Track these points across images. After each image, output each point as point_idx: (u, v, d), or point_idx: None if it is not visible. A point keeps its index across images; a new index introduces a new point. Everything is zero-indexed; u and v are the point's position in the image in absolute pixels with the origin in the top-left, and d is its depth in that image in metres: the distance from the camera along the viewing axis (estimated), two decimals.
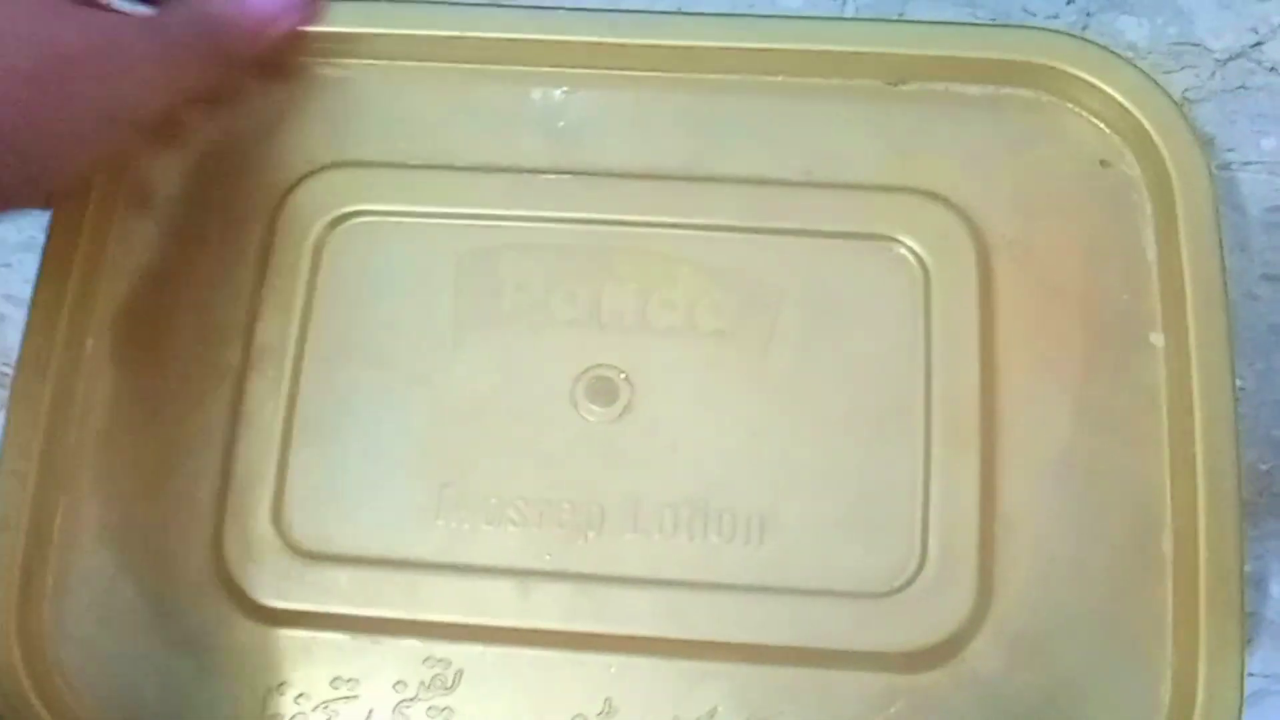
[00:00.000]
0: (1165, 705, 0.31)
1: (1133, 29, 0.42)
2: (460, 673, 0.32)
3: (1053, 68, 0.35)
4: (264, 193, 0.36)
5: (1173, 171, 0.34)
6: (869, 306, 0.34)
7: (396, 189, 0.35)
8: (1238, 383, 0.33)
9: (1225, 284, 0.33)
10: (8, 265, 0.42)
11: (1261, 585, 0.37)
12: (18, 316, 0.39)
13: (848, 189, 0.35)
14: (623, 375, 0.34)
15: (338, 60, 0.37)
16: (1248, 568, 0.34)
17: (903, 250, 0.34)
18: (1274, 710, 0.36)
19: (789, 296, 0.34)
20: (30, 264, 0.39)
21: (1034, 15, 0.42)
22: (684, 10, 0.41)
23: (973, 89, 0.36)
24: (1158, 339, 0.33)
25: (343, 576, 0.32)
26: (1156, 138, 0.34)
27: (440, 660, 0.32)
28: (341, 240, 0.35)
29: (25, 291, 0.38)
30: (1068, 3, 0.43)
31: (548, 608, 0.32)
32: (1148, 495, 0.32)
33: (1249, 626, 0.34)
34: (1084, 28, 0.42)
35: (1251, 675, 0.36)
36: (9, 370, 0.38)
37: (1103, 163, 0.35)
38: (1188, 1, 0.42)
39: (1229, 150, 0.40)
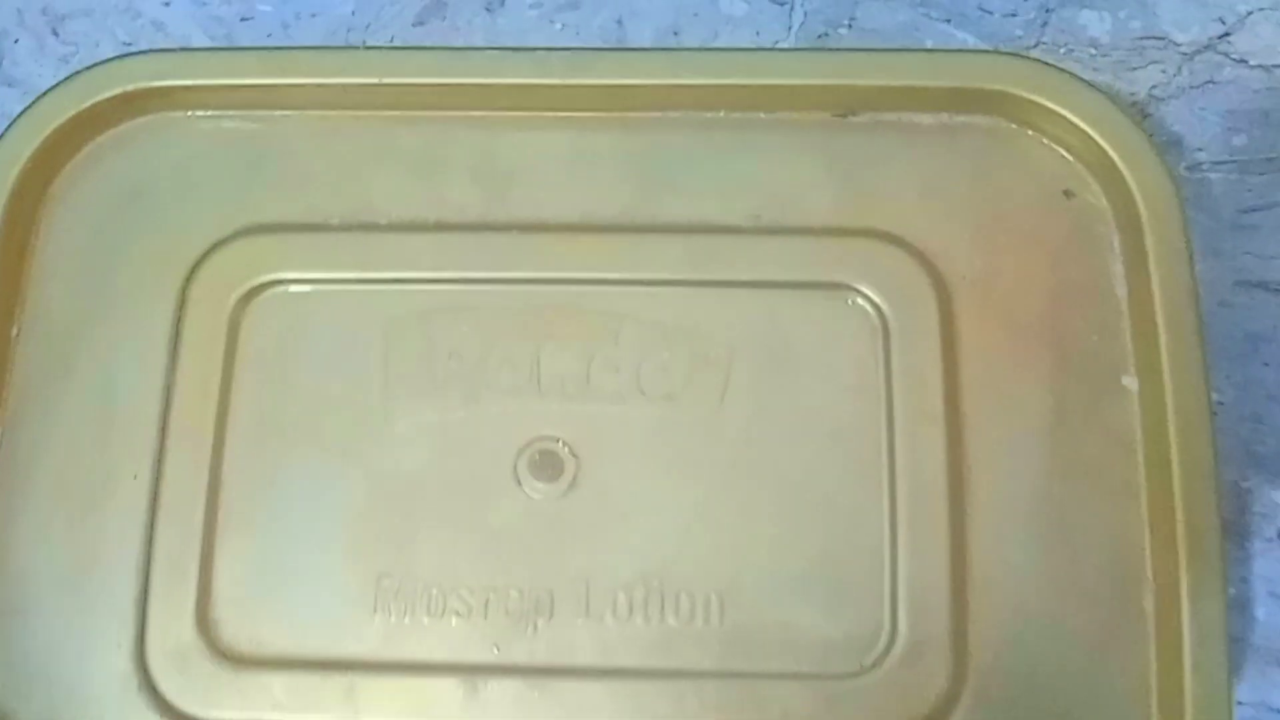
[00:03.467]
0: None
1: (1094, 23, 0.40)
2: None
3: (1010, 93, 0.33)
4: (171, 263, 0.33)
5: (1140, 201, 0.32)
6: (826, 360, 0.32)
7: (316, 254, 0.33)
8: (1215, 396, 0.31)
9: (1200, 321, 0.31)
10: None
11: (1246, 609, 0.35)
12: None
13: (799, 234, 0.33)
14: (567, 447, 0.32)
15: (246, 112, 0.35)
16: (1231, 591, 0.33)
17: (859, 299, 0.32)
18: None
19: (740, 353, 0.32)
20: None
21: (991, 14, 0.41)
22: (616, 46, 0.38)
23: (926, 118, 0.34)
24: (1131, 382, 0.32)
25: (276, 682, 0.30)
26: (1122, 165, 0.32)
27: None
28: (259, 313, 0.33)
29: None
30: None
31: (497, 705, 0.30)
32: (1126, 549, 0.31)
33: (1236, 653, 0.33)
34: (1043, 24, 0.40)
35: (1240, 704, 0.35)
36: None
37: (1066, 193, 0.33)
38: None
39: (1198, 150, 0.38)
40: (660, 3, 0.41)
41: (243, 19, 0.42)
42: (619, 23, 0.41)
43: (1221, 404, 0.36)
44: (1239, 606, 0.36)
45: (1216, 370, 0.34)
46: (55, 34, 0.42)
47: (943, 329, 0.32)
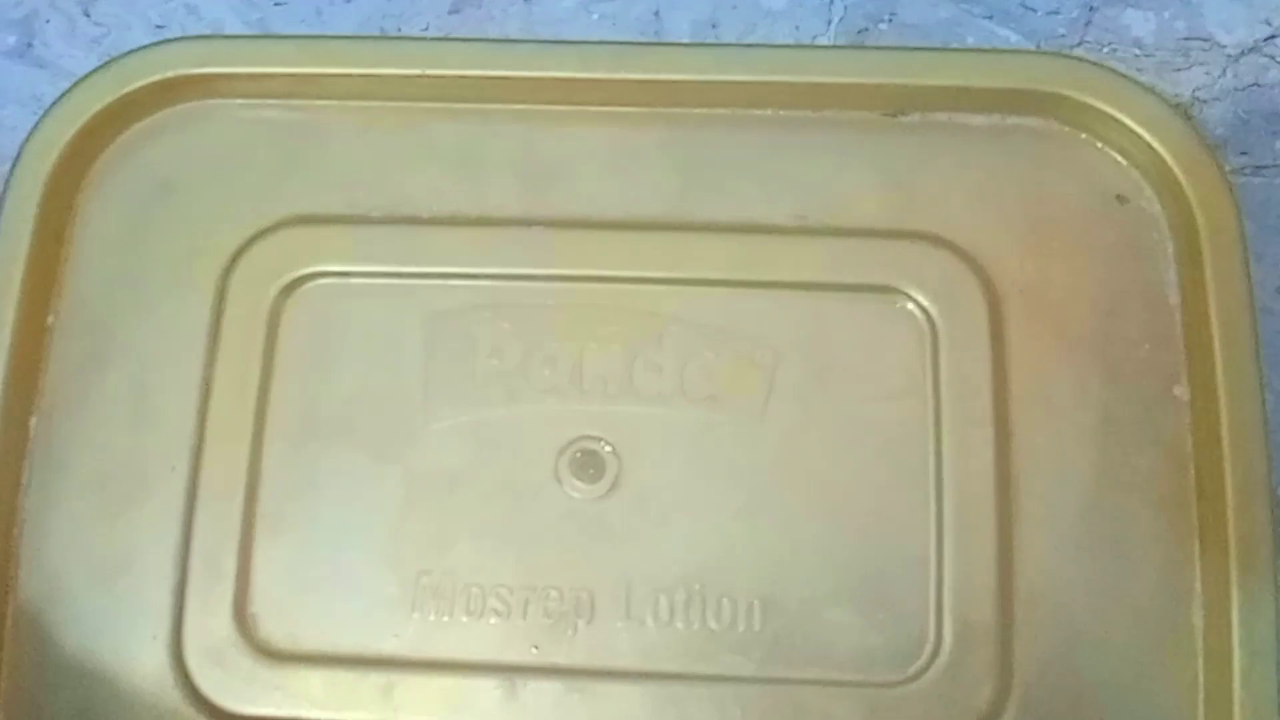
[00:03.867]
0: None
1: (1139, 24, 0.40)
2: None
3: (1064, 95, 0.33)
4: (209, 254, 0.33)
5: (1197, 208, 0.32)
6: (872, 364, 0.32)
7: (356, 246, 0.33)
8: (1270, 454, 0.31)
9: (1256, 331, 0.31)
10: None
11: None
12: None
13: (846, 235, 0.32)
14: (609, 448, 0.31)
15: (285, 101, 0.34)
16: None
17: (908, 303, 0.32)
18: None
19: (785, 355, 0.32)
20: None
21: (1034, 10, 0.40)
22: (654, 39, 0.38)
23: (978, 119, 0.34)
24: (1182, 392, 0.31)
25: (313, 678, 0.30)
26: (1178, 171, 0.32)
27: None
28: (299, 306, 0.33)
29: None
30: None
31: (536, 706, 0.30)
32: (1175, 562, 0.30)
33: None
34: (1087, 23, 0.40)
35: None
36: None
37: (1119, 198, 0.33)
38: None
39: (1242, 153, 0.38)
40: (699, 1, 0.41)
41: (276, 3, 0.41)
42: (656, 14, 0.41)
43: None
44: None
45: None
46: (87, 15, 0.41)
47: (992, 335, 0.31)
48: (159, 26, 0.41)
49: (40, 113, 0.37)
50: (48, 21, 0.41)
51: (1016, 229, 0.32)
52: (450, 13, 0.40)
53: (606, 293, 0.32)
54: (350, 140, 0.34)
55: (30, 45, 0.41)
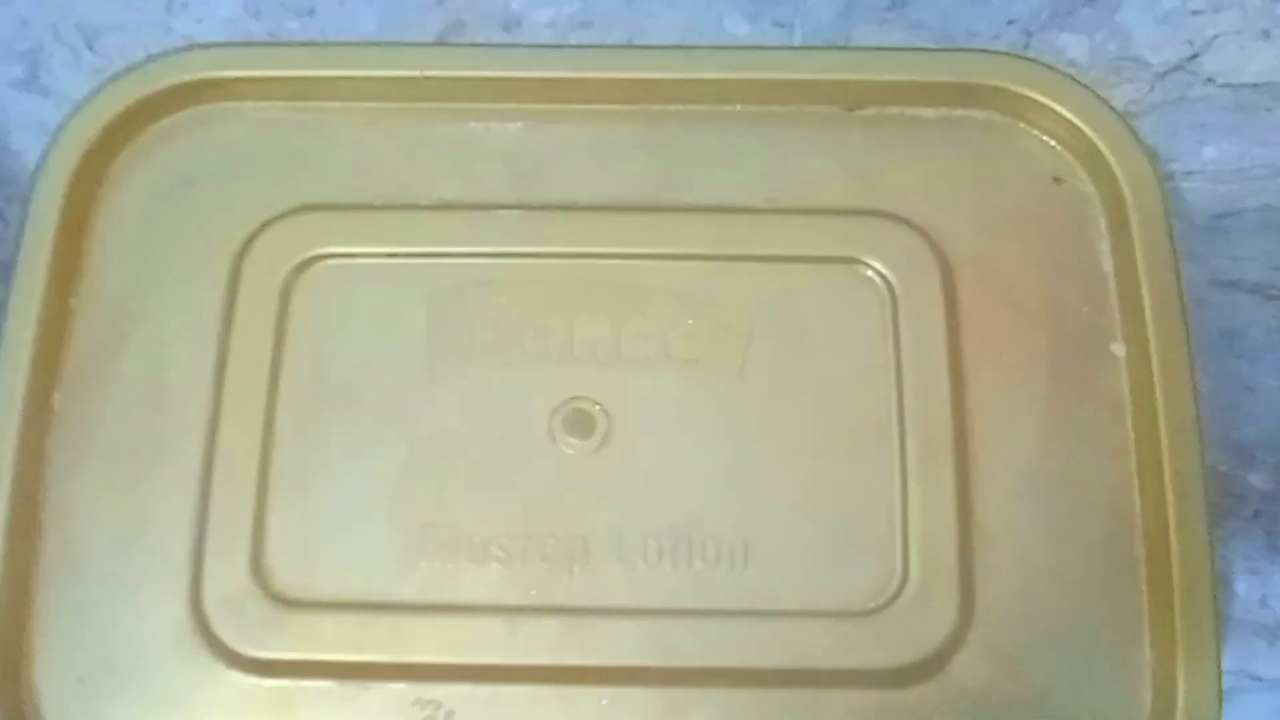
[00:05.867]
0: (1147, 707, 0.32)
1: (1073, 46, 0.42)
2: (451, 714, 0.32)
3: (1004, 88, 0.36)
4: (224, 240, 0.35)
5: (1124, 185, 0.35)
6: (838, 328, 0.34)
7: (361, 231, 0.35)
8: (1197, 398, 0.34)
9: (1181, 291, 0.34)
10: None
11: (1228, 584, 0.37)
12: None
13: (812, 214, 0.35)
14: (599, 407, 0.34)
15: (293, 103, 0.37)
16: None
17: (869, 272, 0.35)
18: (1248, 706, 0.36)
19: (759, 321, 0.34)
20: None
21: (976, 35, 0.43)
22: (639, 44, 0.41)
23: (927, 112, 0.37)
24: (1119, 349, 0.34)
25: (327, 623, 0.32)
26: (1107, 153, 0.35)
27: (430, 702, 0.32)
28: (308, 284, 0.35)
29: None
30: (1009, 23, 0.43)
31: (536, 643, 0.32)
32: (1118, 501, 0.33)
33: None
34: (1025, 46, 0.43)
35: (1226, 673, 0.36)
36: None
37: (1056, 179, 0.36)
38: (1126, 18, 0.43)
39: (1172, 161, 0.41)
40: (668, 23, 0.43)
41: (271, 35, 0.44)
42: (629, 42, 0.44)
43: (1200, 394, 0.38)
44: (1221, 582, 0.38)
45: (1195, 364, 0.35)
46: (89, 48, 0.43)
47: (946, 300, 0.34)
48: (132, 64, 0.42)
49: (44, 138, 0.40)
50: (52, 54, 0.43)
51: (965, 207, 0.35)
52: (435, 44, 0.43)
53: (594, 268, 0.35)
54: (354, 136, 0.37)
55: (36, 76, 0.43)
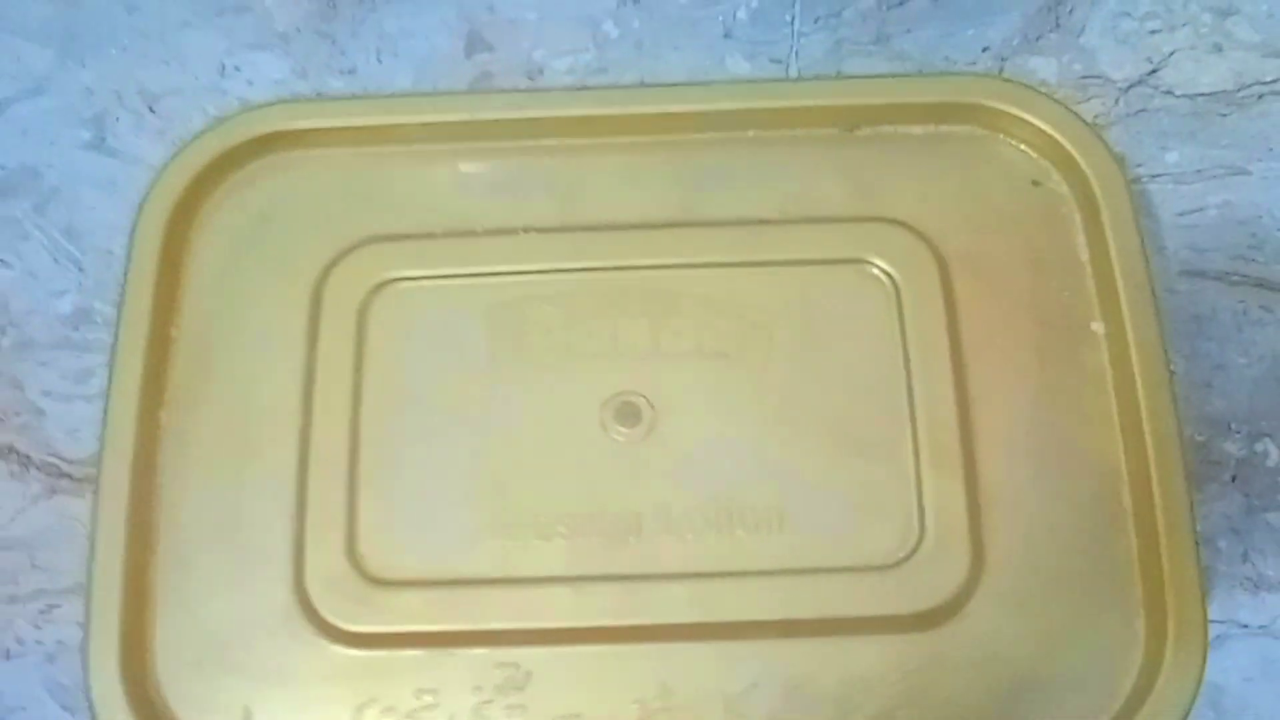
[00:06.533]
0: (1141, 639, 0.36)
1: (1043, 68, 0.46)
2: (529, 673, 0.36)
3: (984, 105, 0.41)
4: (304, 269, 0.40)
5: (1095, 185, 0.39)
6: (851, 321, 0.39)
7: (426, 257, 0.40)
8: (1169, 366, 0.38)
9: (1150, 274, 0.38)
10: (44, 363, 0.45)
11: (1211, 542, 0.40)
12: (56, 410, 0.43)
13: (821, 222, 0.40)
14: (644, 399, 0.38)
15: (359, 148, 0.42)
16: (1198, 527, 0.38)
17: (875, 270, 0.39)
18: (1234, 652, 0.39)
19: (780, 318, 0.39)
20: (67, 361, 0.43)
21: (954, 62, 0.46)
22: (662, 82, 0.46)
23: (917, 129, 0.41)
24: (1098, 326, 0.39)
25: (414, 598, 0.36)
26: (1078, 158, 0.40)
27: (510, 664, 0.36)
28: (382, 304, 0.39)
29: (62, 386, 0.43)
30: (983, 50, 0.47)
31: (599, 607, 0.36)
32: (1105, 460, 0.37)
33: (1205, 579, 0.38)
34: (1000, 71, 0.46)
35: (1211, 622, 0.39)
36: (52, 459, 0.41)
37: (1034, 183, 0.41)
38: (1089, 40, 0.46)
39: (1138, 165, 0.44)
40: (675, 65, 0.47)
41: (317, 94, 0.48)
42: (642, 84, 0.48)
43: (1175, 373, 0.42)
44: (1205, 541, 0.41)
45: (1169, 346, 0.39)
46: (151, 110, 0.47)
47: (944, 293, 0.39)
48: (216, 117, 0.45)
49: (113, 194, 0.44)
50: (117, 119, 0.47)
51: (956, 210, 0.40)
52: (481, 91, 0.46)
53: (632, 278, 0.39)
54: (412, 175, 0.41)
55: (104, 139, 0.46)
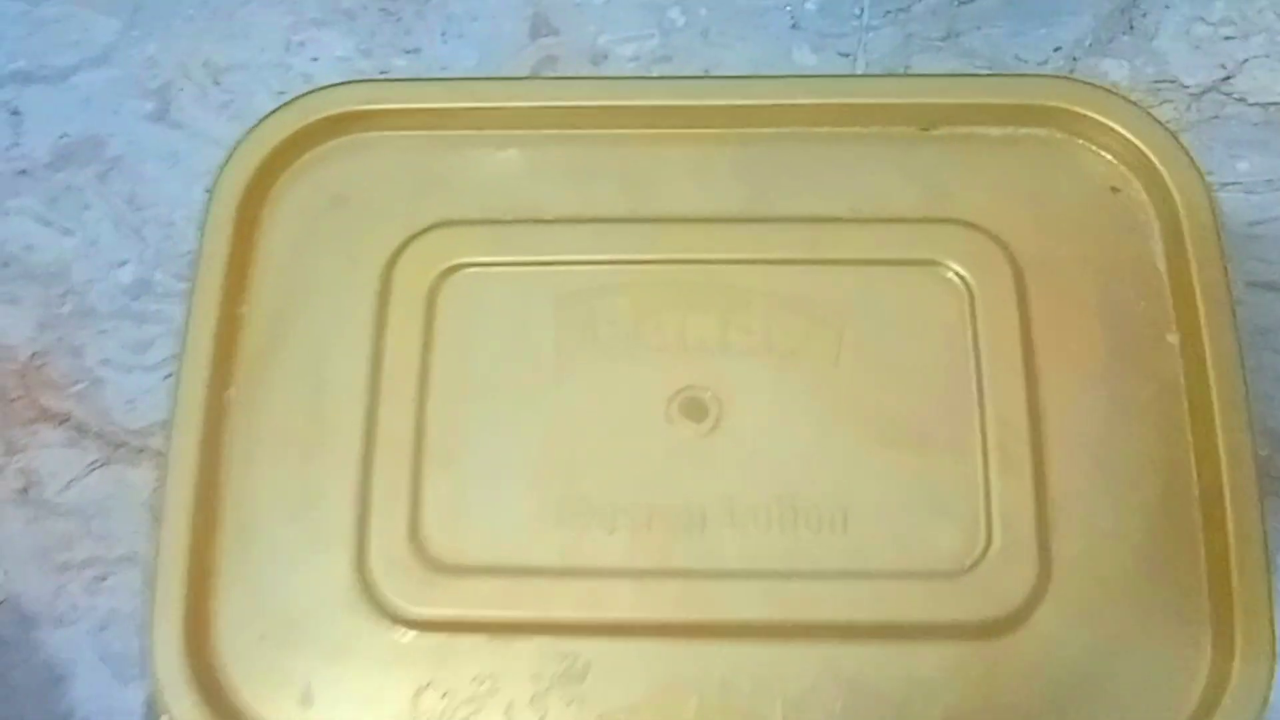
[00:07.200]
0: (1208, 652, 0.35)
1: (1115, 70, 0.46)
2: (589, 664, 0.36)
3: (1063, 109, 0.40)
4: (374, 252, 0.40)
5: (1175, 193, 0.39)
6: (922, 323, 0.38)
7: (495, 243, 0.40)
8: (1245, 382, 0.37)
9: (1229, 286, 0.38)
10: (104, 332, 0.45)
11: (1271, 559, 0.40)
12: (115, 379, 0.43)
13: (894, 222, 0.40)
14: (710, 393, 0.38)
15: (432, 131, 0.42)
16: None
17: (948, 273, 0.39)
18: None
19: (851, 318, 0.39)
20: (127, 331, 0.44)
21: (1025, 62, 0.47)
22: (735, 74, 0.45)
23: (994, 131, 0.41)
24: (1173, 338, 0.38)
25: (476, 584, 0.36)
26: (1159, 165, 0.39)
27: (569, 654, 0.36)
28: (451, 289, 0.39)
29: (122, 356, 0.43)
30: (1055, 50, 0.47)
31: (661, 601, 0.36)
32: (1176, 473, 0.37)
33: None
34: (1071, 71, 0.46)
35: None
36: (110, 428, 0.42)
37: (1113, 189, 0.40)
38: (1162, 44, 0.46)
39: (1209, 173, 0.43)
40: (741, 55, 0.47)
41: (381, 72, 0.48)
42: (706, 73, 0.47)
43: None
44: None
45: None
46: (216, 83, 0.48)
47: (1018, 297, 0.38)
48: (280, 93, 0.47)
49: (176, 166, 0.45)
50: (181, 90, 0.48)
51: (1031, 214, 0.39)
52: (554, 76, 0.47)
53: (701, 272, 0.39)
54: (484, 160, 0.41)
55: (167, 111, 0.47)
